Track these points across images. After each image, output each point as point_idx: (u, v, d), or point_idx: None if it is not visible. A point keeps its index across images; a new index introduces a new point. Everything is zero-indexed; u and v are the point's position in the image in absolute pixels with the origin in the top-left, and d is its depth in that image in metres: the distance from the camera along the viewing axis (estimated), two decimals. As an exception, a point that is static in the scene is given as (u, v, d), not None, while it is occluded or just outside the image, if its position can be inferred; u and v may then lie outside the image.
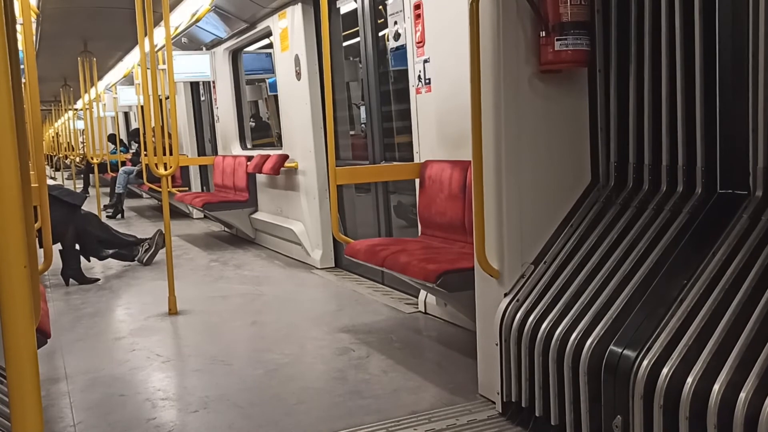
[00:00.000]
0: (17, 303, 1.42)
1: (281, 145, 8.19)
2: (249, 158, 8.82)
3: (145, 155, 8.77)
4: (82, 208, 7.09)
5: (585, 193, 3.41)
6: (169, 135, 7.80)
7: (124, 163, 14.63)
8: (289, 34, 7.24)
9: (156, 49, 5.92)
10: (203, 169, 12.01)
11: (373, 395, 3.71)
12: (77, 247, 6.95)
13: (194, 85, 11.84)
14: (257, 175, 8.66)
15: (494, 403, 3.41)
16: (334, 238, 6.27)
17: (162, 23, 5.59)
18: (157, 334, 5.09)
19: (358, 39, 6.36)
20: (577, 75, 3.36)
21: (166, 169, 5.90)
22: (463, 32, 3.48)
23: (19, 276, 1.41)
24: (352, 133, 7.24)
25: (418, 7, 5.03)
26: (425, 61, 5.01)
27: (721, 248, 2.66)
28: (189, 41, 10.13)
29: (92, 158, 13.55)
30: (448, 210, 4.69)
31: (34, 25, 7.87)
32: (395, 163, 5.89)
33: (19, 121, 2.36)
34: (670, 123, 3.02)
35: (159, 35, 6.35)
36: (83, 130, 19.04)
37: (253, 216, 8.96)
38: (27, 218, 2.47)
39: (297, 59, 7.13)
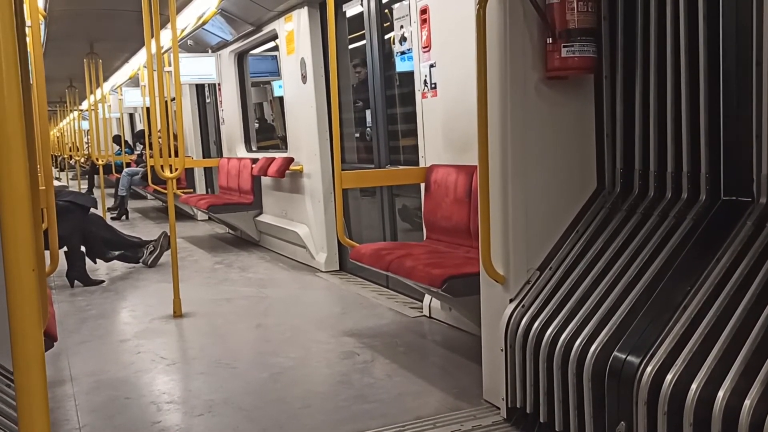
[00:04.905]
0: (25, 306, 1.42)
1: (286, 148, 8.20)
2: (254, 161, 8.84)
3: (151, 157, 8.79)
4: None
5: (591, 199, 3.41)
6: (175, 137, 7.82)
7: (129, 165, 14.67)
8: (295, 37, 7.26)
9: (162, 51, 5.93)
10: (208, 171, 12.04)
11: (378, 399, 3.71)
12: (83, 248, 6.96)
13: (200, 88, 11.88)
14: (262, 177, 8.68)
15: (499, 408, 3.41)
16: (338, 242, 6.27)
17: (168, 25, 5.60)
18: (161, 337, 5.10)
19: (364, 42, 6.38)
20: (583, 81, 3.37)
21: (171, 172, 5.91)
22: (470, 37, 3.48)
23: (28, 279, 1.41)
24: (357, 136, 7.25)
25: (424, 11, 5.04)
26: (431, 66, 5.02)
27: (725, 255, 2.66)
28: (195, 43, 10.16)
29: (97, 159, 13.57)
30: (453, 214, 4.69)
31: (41, 27, 7.90)
32: (401, 167, 5.89)
33: (27, 123, 2.37)
34: (674, 130, 3.03)
35: (165, 37, 6.37)
36: (88, 130, 19.08)
37: (257, 218, 8.98)
38: (35, 221, 2.48)
39: (303, 62, 7.14)
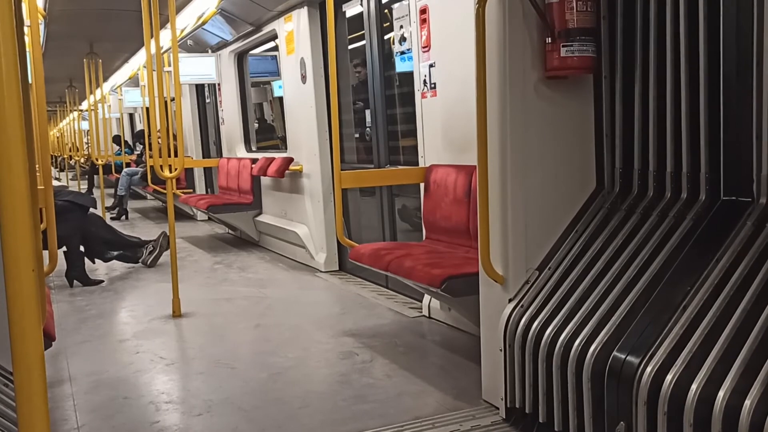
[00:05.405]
0: (25, 306, 1.42)
1: (285, 148, 8.20)
2: (254, 161, 8.83)
3: (150, 157, 8.79)
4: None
5: (590, 199, 3.41)
6: (174, 137, 7.82)
7: (128, 165, 14.67)
8: (294, 37, 7.26)
9: (162, 51, 5.93)
10: (208, 171, 12.04)
11: (377, 400, 3.71)
12: (82, 248, 6.96)
13: (199, 88, 11.87)
14: (262, 177, 8.68)
15: (498, 408, 3.41)
16: (338, 242, 6.28)
17: (168, 25, 5.60)
18: (161, 337, 5.09)
19: (363, 42, 6.38)
20: (582, 81, 3.36)
21: (171, 172, 5.91)
22: (469, 37, 3.48)
23: (27, 279, 1.41)
24: (356, 136, 7.26)
25: (423, 11, 5.03)
26: (431, 66, 5.02)
27: (725, 255, 2.66)
28: (195, 44, 10.16)
29: (97, 159, 13.57)
30: (452, 215, 4.69)
31: (41, 27, 7.91)
32: (400, 167, 5.89)
33: (26, 123, 2.37)
34: (674, 130, 3.03)
35: (165, 37, 6.37)
36: (88, 131, 19.08)
37: (257, 218, 8.97)
38: (33, 221, 2.47)
39: (302, 62, 7.14)
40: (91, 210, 7.24)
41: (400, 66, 5.80)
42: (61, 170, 27.54)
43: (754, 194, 2.74)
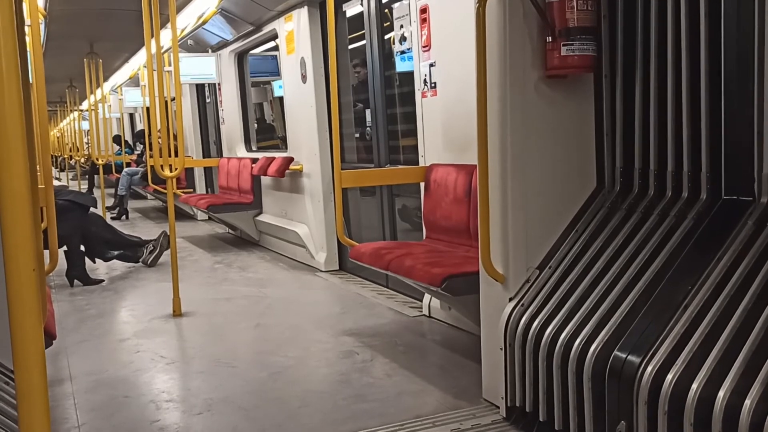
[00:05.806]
0: (26, 306, 1.42)
1: (286, 148, 8.20)
2: (254, 160, 8.83)
3: (151, 157, 8.80)
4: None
5: (590, 198, 3.41)
6: (175, 137, 7.82)
7: (129, 164, 14.68)
8: (295, 36, 7.26)
9: (162, 51, 5.93)
10: (208, 171, 12.04)
11: (377, 399, 3.71)
12: (82, 248, 6.96)
13: (200, 87, 11.87)
14: (262, 177, 8.68)
15: (498, 407, 3.41)
16: (338, 241, 6.28)
17: (168, 25, 5.60)
18: (161, 336, 5.10)
19: (364, 42, 6.38)
20: (583, 80, 3.36)
21: (171, 171, 5.91)
22: (469, 36, 3.48)
23: (28, 279, 1.41)
24: (356, 136, 7.26)
25: (424, 11, 5.03)
26: (431, 65, 5.02)
27: (726, 254, 2.66)
28: (195, 43, 10.16)
29: (97, 159, 13.57)
30: (453, 214, 4.69)
31: (41, 26, 7.90)
32: (400, 166, 5.89)
33: (27, 122, 2.37)
34: (675, 129, 3.02)
35: (165, 37, 6.37)
36: (88, 130, 19.09)
37: (257, 218, 8.97)
38: (34, 220, 2.48)
39: (303, 62, 7.14)
40: (92, 209, 7.25)
41: (400, 66, 5.79)
42: (62, 170, 27.54)
43: (755, 193, 2.74)
